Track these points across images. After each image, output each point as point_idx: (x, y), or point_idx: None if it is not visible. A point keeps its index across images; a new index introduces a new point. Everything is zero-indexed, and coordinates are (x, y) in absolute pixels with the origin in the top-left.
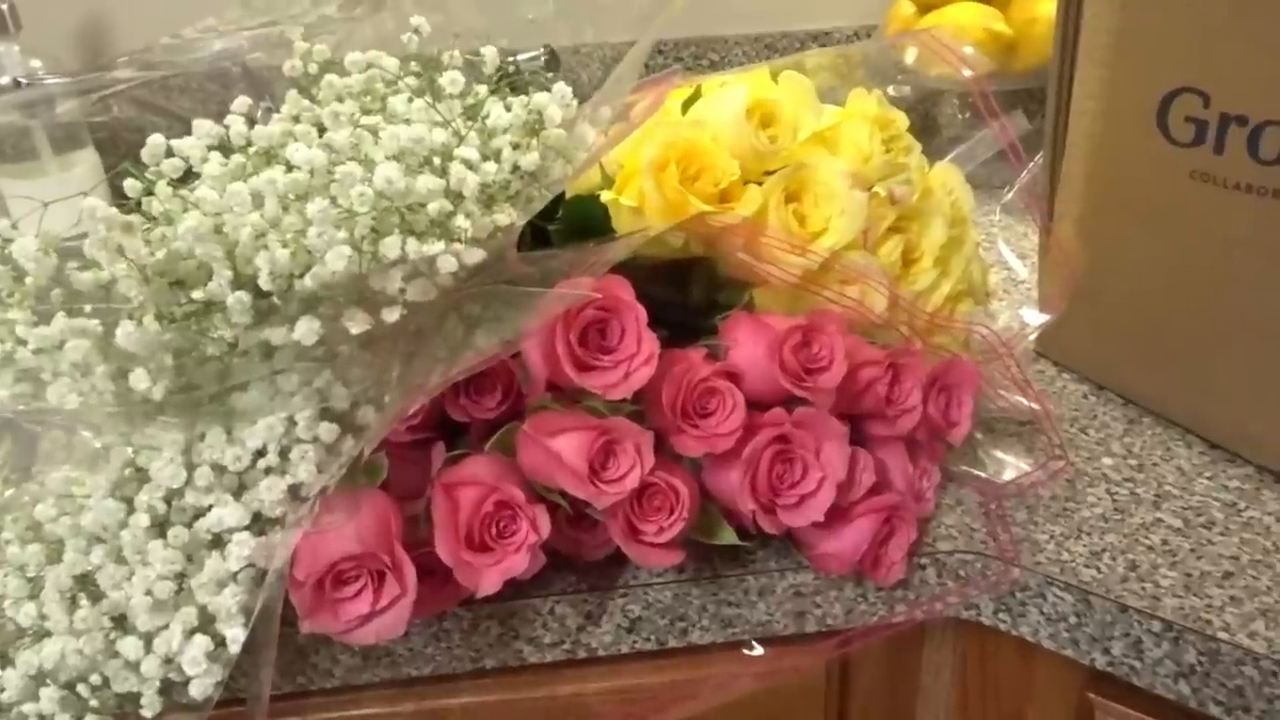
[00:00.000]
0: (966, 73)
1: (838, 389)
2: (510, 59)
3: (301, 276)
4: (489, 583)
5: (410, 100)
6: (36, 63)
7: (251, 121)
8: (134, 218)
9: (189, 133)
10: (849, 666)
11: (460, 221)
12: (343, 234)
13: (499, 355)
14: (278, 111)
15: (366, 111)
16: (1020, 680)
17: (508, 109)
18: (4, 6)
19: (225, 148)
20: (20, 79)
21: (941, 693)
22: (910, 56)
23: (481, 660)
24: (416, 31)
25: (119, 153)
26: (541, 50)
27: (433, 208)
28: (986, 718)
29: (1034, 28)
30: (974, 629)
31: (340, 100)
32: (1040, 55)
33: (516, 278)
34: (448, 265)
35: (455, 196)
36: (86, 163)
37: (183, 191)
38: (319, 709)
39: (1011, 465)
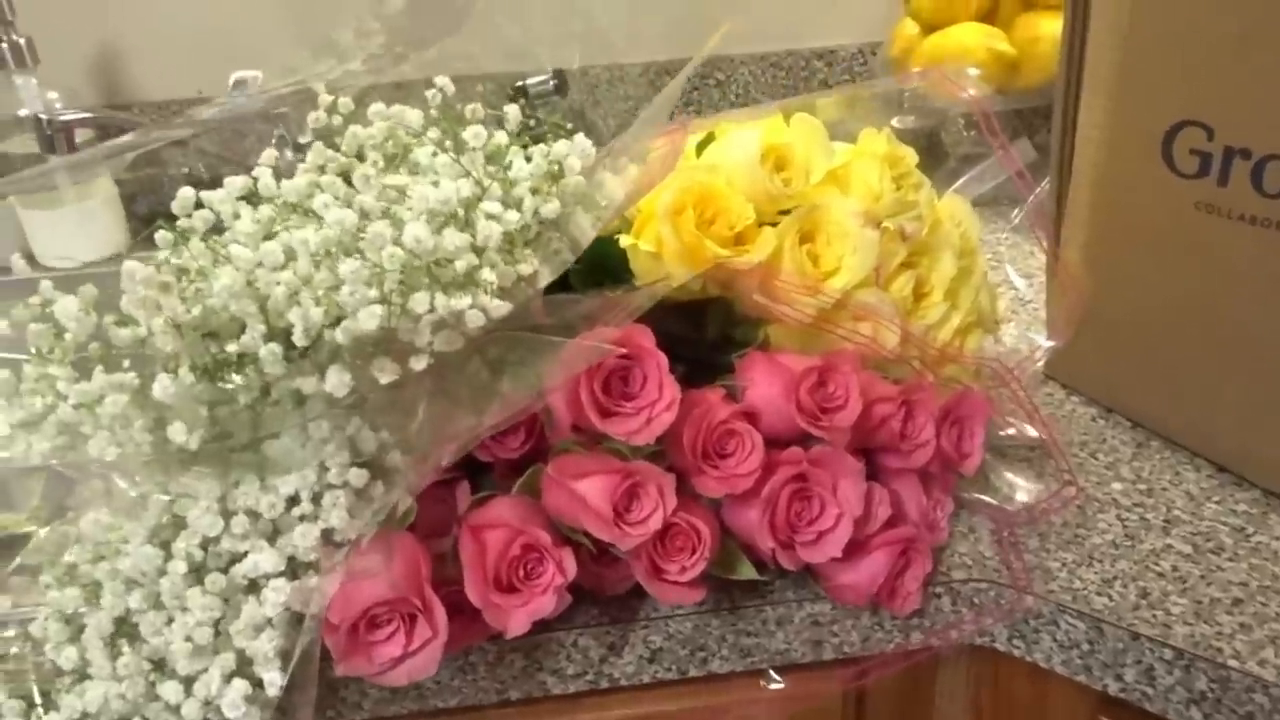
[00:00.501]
0: (968, 95)
1: (853, 426)
2: (519, 83)
3: (332, 328)
4: (517, 624)
5: (435, 154)
6: (53, 94)
7: (278, 175)
8: (170, 277)
9: (204, 171)
10: (864, 693)
11: (486, 274)
12: (374, 291)
13: (530, 408)
14: (290, 144)
15: (389, 158)
16: (1033, 705)
17: (528, 159)
18: (21, 41)
19: (253, 198)
20: (40, 115)
21: (956, 718)
22: (913, 84)
23: (506, 692)
24: (441, 90)
25: (135, 183)
26: (550, 75)
27: (460, 264)
28: None
29: (1037, 46)
30: (987, 655)
31: (362, 152)
32: (1043, 74)
33: (540, 326)
34: (475, 320)
35: (480, 250)
36: (104, 192)
37: (213, 243)
38: None
39: (1023, 489)
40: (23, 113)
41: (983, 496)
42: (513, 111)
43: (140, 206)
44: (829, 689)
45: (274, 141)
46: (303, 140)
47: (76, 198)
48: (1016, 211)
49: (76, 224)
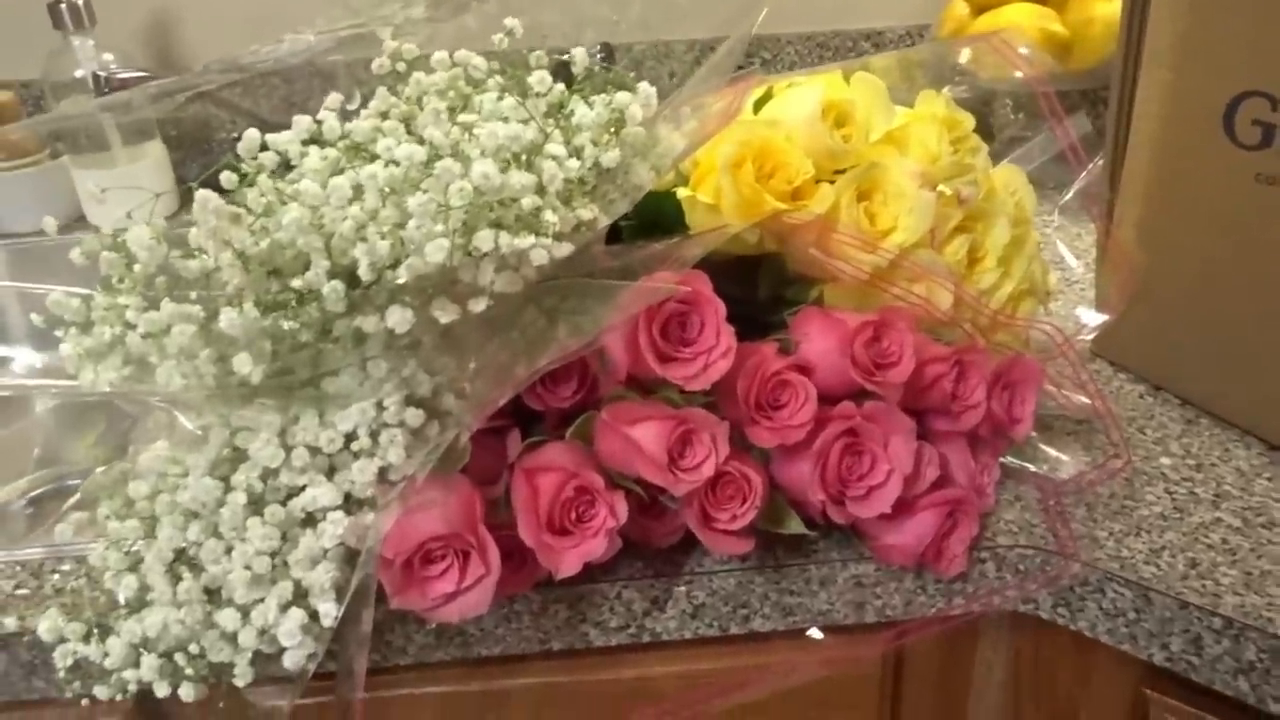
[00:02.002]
0: (1019, 74)
1: (905, 384)
2: (565, 55)
3: (393, 268)
4: (568, 565)
5: (500, 98)
6: (109, 56)
7: (346, 116)
8: (239, 209)
9: (251, 127)
10: (903, 657)
11: (548, 216)
12: (440, 227)
13: (588, 348)
14: (349, 103)
15: (451, 109)
16: (1075, 677)
17: (591, 107)
18: (79, 2)
19: (317, 141)
20: (98, 73)
21: (994, 688)
22: (965, 58)
23: (549, 642)
24: (510, 33)
25: (183, 146)
26: (597, 47)
27: (526, 203)
28: (1039, 712)
29: (1090, 28)
30: (1029, 625)
31: (425, 97)
32: (1095, 56)
33: (600, 271)
34: (539, 258)
35: (542, 192)
36: (154, 154)
37: (280, 184)
38: (389, 685)
39: (1068, 463)
40: (79, 73)
41: (1029, 465)
42: (579, 55)
43: (190, 171)
44: (869, 652)
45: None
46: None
47: (128, 160)
48: (1066, 192)
49: (128, 184)
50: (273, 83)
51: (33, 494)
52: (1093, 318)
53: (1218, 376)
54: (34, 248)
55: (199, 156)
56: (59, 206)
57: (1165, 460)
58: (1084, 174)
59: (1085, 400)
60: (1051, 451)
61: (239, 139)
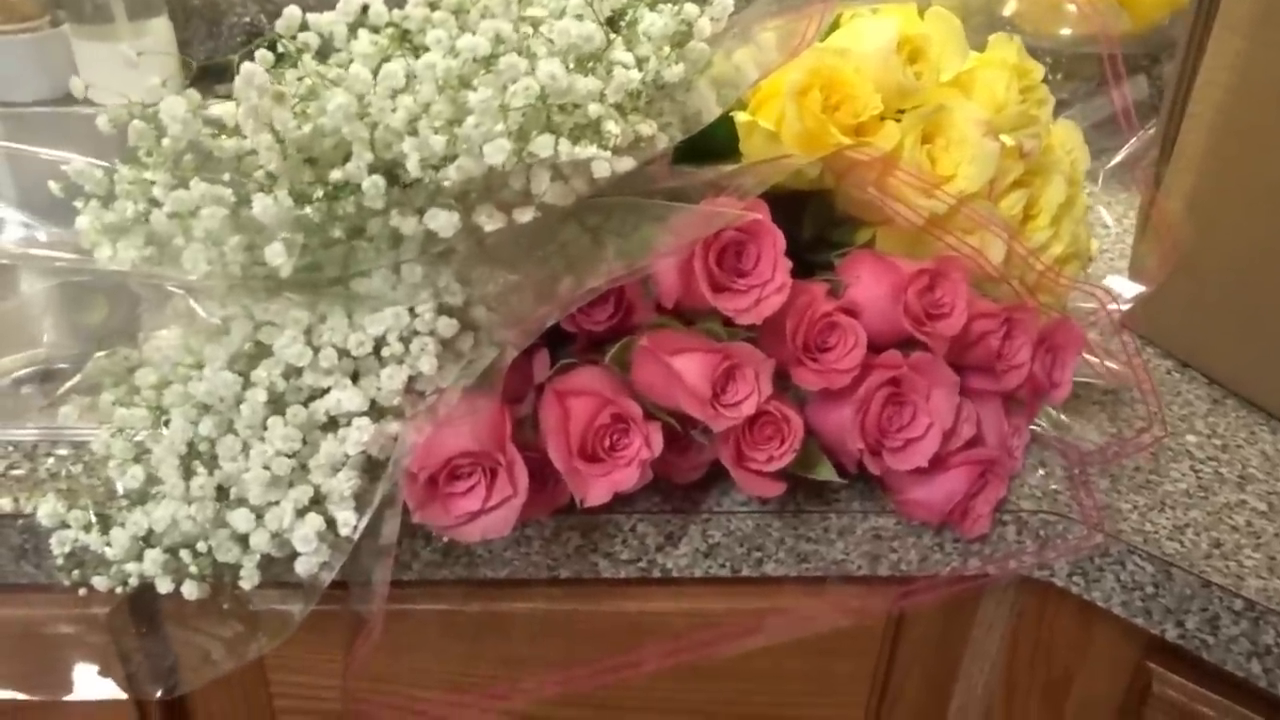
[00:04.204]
0: (1065, 33)
1: (952, 338)
2: None
3: (437, 168)
4: (598, 493)
5: None
6: None
7: (397, 4)
8: (285, 88)
9: (264, 12)
10: (903, 615)
11: (610, 127)
12: (499, 127)
13: (640, 272)
14: None
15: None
16: (1075, 644)
17: (659, 15)
18: None
19: (361, 26)
20: None
21: (991, 647)
22: (1009, 9)
23: (557, 569)
24: None
25: (190, 26)
26: None
27: (592, 109)
28: (1033, 676)
29: None
30: (1035, 589)
31: None
32: (1146, 20)
33: (653, 193)
34: (601, 170)
35: (605, 100)
36: (159, 31)
37: (323, 68)
38: (388, 599)
39: (1093, 433)
40: None
41: (1057, 432)
42: None
43: (196, 54)
44: (878, 606)
45: None
46: None
47: (132, 34)
48: (1112, 158)
49: (129, 60)
50: None
51: (17, 374)
52: (1126, 287)
53: (1250, 358)
54: (29, 116)
55: (205, 40)
56: (58, 77)
57: (1191, 438)
58: (1132, 141)
59: (1118, 369)
60: (1079, 421)
61: (251, 23)
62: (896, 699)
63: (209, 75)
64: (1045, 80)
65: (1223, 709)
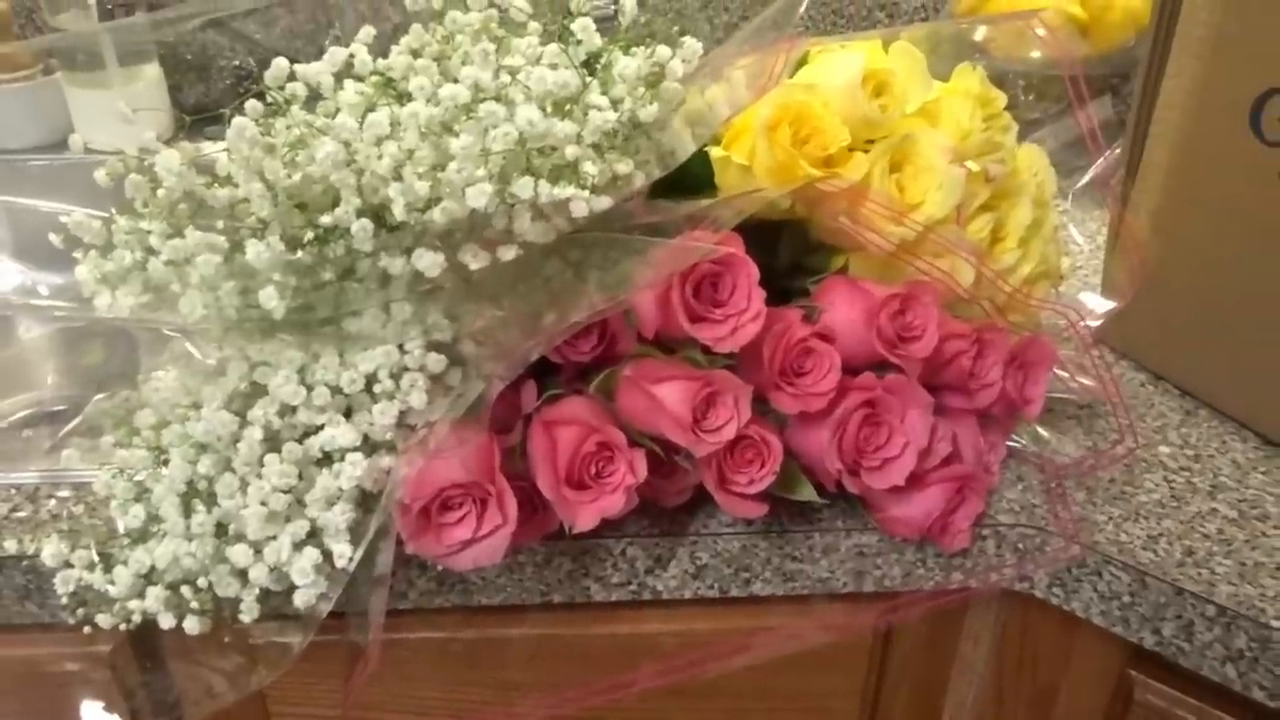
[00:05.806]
0: (1036, 55)
1: (924, 360)
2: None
3: (423, 210)
4: (586, 519)
5: (543, 42)
6: None
7: (380, 53)
8: (275, 139)
9: (252, 56)
10: (890, 631)
11: (588, 167)
12: (481, 171)
13: (620, 305)
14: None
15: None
16: (1058, 654)
17: (632, 58)
18: None
19: (348, 75)
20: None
21: (978, 661)
22: (980, 35)
23: (550, 594)
24: None
25: (180, 71)
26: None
27: (569, 152)
28: (1020, 688)
29: (1108, 14)
30: (1018, 601)
31: (458, 36)
32: (1111, 42)
33: (631, 228)
34: (579, 210)
35: (582, 142)
36: (150, 77)
37: (310, 116)
38: (385, 629)
39: (1069, 447)
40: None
41: (1032, 446)
42: (629, 4)
43: (187, 98)
44: (864, 621)
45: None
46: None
47: (124, 81)
48: (1080, 178)
49: (125, 116)
50: (274, 13)
51: (14, 418)
52: (1098, 303)
53: (1220, 369)
54: (22, 165)
55: (196, 84)
56: (52, 124)
57: (1164, 449)
58: (1100, 160)
59: (1091, 384)
60: (1054, 435)
61: (240, 67)
62: (887, 714)
63: (201, 119)
64: (1017, 102)
65: (1202, 713)
